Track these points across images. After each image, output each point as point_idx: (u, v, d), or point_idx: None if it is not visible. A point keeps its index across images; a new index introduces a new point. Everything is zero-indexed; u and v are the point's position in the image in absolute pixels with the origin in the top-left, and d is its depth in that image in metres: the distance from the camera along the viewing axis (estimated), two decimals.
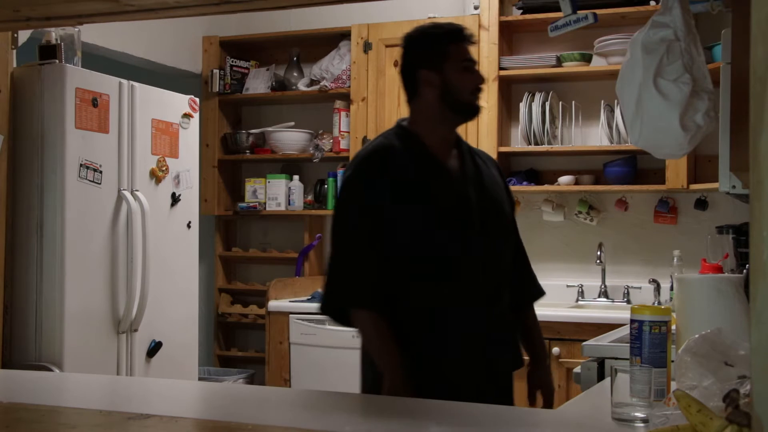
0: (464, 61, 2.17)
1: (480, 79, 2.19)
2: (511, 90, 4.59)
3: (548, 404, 2.34)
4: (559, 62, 4.35)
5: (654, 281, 4.26)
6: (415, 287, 2.11)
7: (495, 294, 2.20)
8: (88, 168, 3.55)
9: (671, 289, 4.06)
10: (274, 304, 4.44)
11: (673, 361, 1.66)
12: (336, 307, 2.15)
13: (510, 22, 4.45)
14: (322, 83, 4.81)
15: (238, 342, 5.19)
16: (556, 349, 3.81)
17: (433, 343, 2.10)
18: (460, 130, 2.28)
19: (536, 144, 4.36)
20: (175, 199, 4.04)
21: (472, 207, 2.16)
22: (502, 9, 4.44)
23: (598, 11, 2.39)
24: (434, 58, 2.17)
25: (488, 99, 4.37)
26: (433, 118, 2.19)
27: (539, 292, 2.44)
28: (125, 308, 3.70)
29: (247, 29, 5.07)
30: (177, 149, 4.06)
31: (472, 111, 2.21)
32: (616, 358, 2.28)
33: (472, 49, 2.21)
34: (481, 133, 4.35)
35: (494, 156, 4.33)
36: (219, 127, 5.05)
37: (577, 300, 4.41)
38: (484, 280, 2.16)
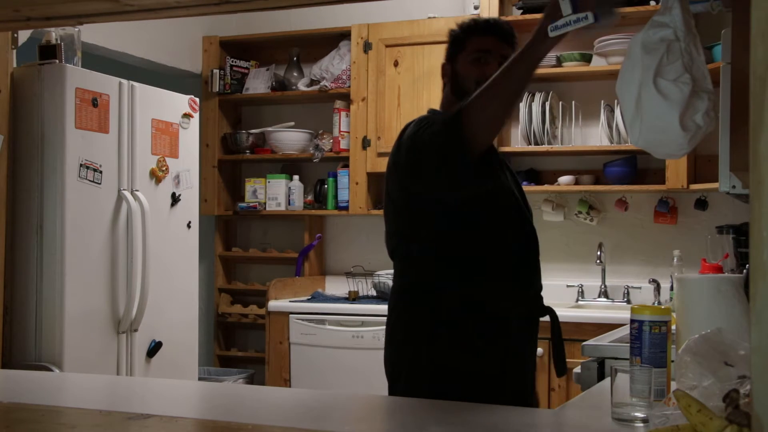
0: (477, 53, 2.16)
1: (489, 70, 2.06)
2: None
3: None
4: (559, 62, 4.35)
5: (654, 281, 4.26)
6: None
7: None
8: (88, 168, 3.55)
9: (671, 289, 4.06)
10: (274, 304, 4.44)
11: (673, 361, 1.66)
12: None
13: (510, 22, 4.44)
14: (322, 83, 4.81)
15: (238, 342, 5.19)
16: None
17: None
18: None
19: (536, 144, 4.36)
20: (175, 199, 4.04)
21: (516, 196, 2.26)
22: (502, 9, 4.44)
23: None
24: (452, 49, 2.21)
25: None
26: (448, 109, 2.15)
27: None
28: (125, 308, 3.70)
29: (247, 29, 5.07)
30: (177, 149, 4.06)
31: None
32: (616, 358, 2.28)
33: (501, 45, 2.17)
34: None
35: None
36: (219, 127, 5.05)
37: (577, 300, 4.41)
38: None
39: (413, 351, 2.09)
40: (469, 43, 2.18)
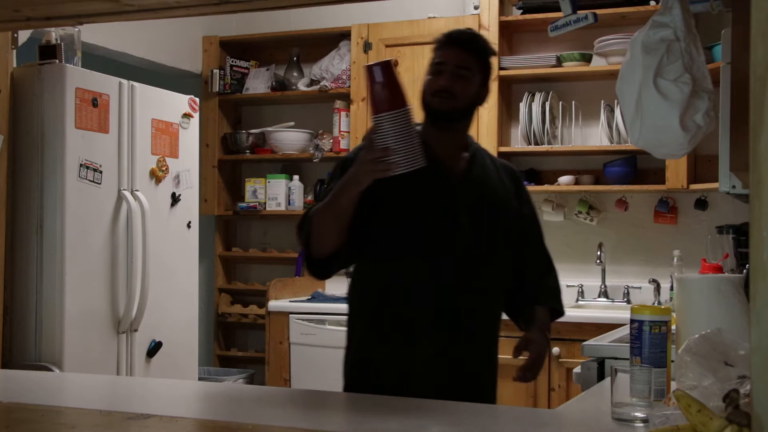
0: (432, 65, 2.17)
1: (442, 81, 2.13)
2: (511, 90, 4.59)
3: (530, 370, 2.25)
4: (559, 62, 4.35)
5: (654, 281, 4.26)
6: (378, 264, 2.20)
7: (468, 287, 2.17)
8: (88, 168, 3.55)
9: (671, 289, 4.06)
10: (274, 304, 4.44)
11: (673, 361, 1.66)
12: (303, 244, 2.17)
13: (510, 22, 4.45)
14: (322, 83, 4.81)
15: (238, 342, 5.19)
16: (556, 349, 3.81)
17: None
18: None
19: (536, 144, 4.36)
20: (175, 199, 4.04)
21: (455, 206, 2.17)
22: (502, 9, 4.44)
23: (598, 11, 2.39)
24: (431, 60, 2.24)
25: (488, 99, 4.36)
26: (424, 120, 2.23)
27: (543, 300, 2.39)
28: (125, 308, 3.70)
29: (247, 29, 5.07)
30: (177, 149, 4.06)
31: (431, 111, 2.18)
32: (616, 358, 2.28)
33: (456, 55, 2.15)
34: (481, 133, 4.35)
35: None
36: (219, 127, 5.05)
37: (577, 300, 4.41)
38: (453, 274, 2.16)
39: (346, 346, 2.25)
40: (433, 56, 2.21)
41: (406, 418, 1.64)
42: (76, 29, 3.68)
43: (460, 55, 2.16)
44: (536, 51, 4.49)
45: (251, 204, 4.94)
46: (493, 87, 4.33)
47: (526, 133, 4.38)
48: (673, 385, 1.59)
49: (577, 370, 2.40)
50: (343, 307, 2.36)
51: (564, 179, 4.36)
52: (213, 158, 5.02)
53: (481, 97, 2.23)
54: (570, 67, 4.33)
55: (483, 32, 4.39)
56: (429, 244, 2.13)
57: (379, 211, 2.12)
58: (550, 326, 2.35)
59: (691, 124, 1.93)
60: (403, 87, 1.95)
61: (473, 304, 2.17)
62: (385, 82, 1.93)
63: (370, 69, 1.96)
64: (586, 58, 4.33)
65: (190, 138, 4.17)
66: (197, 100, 4.24)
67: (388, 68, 1.94)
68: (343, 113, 4.75)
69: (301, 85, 4.90)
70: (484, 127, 4.35)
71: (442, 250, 2.13)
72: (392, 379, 2.10)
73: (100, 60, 4.32)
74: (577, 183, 4.36)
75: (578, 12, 2.18)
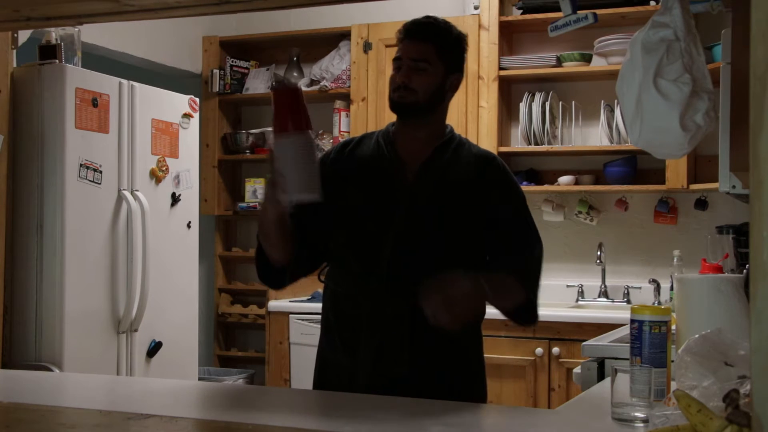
0: (395, 60, 2.12)
1: (399, 78, 2.07)
2: (511, 90, 4.59)
3: (434, 293, 1.87)
4: (559, 62, 4.35)
5: (654, 281, 4.27)
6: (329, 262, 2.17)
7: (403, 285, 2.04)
8: (88, 168, 3.55)
9: (671, 289, 4.06)
10: (274, 304, 4.44)
11: (673, 361, 1.66)
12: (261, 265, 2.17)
13: (510, 22, 4.45)
14: (322, 83, 4.81)
15: (238, 342, 5.19)
16: (556, 349, 3.81)
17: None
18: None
19: (536, 144, 4.36)
20: (175, 199, 4.04)
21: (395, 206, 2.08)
22: (502, 9, 4.44)
23: (598, 11, 2.39)
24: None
25: (488, 99, 4.37)
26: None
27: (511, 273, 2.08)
28: (125, 308, 3.70)
29: (247, 29, 5.07)
30: (177, 149, 4.06)
31: (394, 108, 2.11)
32: (616, 358, 2.28)
33: (410, 48, 2.09)
34: (481, 133, 4.35)
35: None
36: (219, 127, 5.05)
37: (577, 300, 4.41)
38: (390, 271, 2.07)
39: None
40: (397, 50, 2.15)
41: (406, 418, 1.64)
42: (76, 29, 3.68)
43: (417, 47, 2.09)
44: (536, 51, 4.49)
45: (251, 204, 4.94)
46: (493, 87, 4.39)
47: (526, 133, 4.38)
48: (673, 385, 1.59)
49: (577, 370, 2.40)
50: None
51: (564, 179, 4.36)
52: (213, 158, 5.02)
53: (449, 86, 2.12)
54: (570, 67, 4.33)
55: (483, 32, 4.39)
56: (365, 249, 2.06)
57: (331, 214, 2.08)
58: (498, 286, 2.00)
59: (691, 124, 1.93)
60: (306, 112, 1.88)
61: (412, 308, 1.97)
62: (287, 103, 1.86)
63: (275, 89, 1.93)
64: (586, 58, 4.33)
65: (190, 138, 4.17)
66: (197, 100, 4.24)
67: (294, 91, 1.88)
68: (343, 113, 4.75)
69: (301, 85, 4.90)
70: (484, 127, 4.36)
71: (377, 255, 2.03)
72: (346, 385, 2.06)
73: (100, 60, 4.32)
74: (577, 183, 4.36)
75: (578, 12, 2.18)
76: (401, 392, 1.89)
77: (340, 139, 4.75)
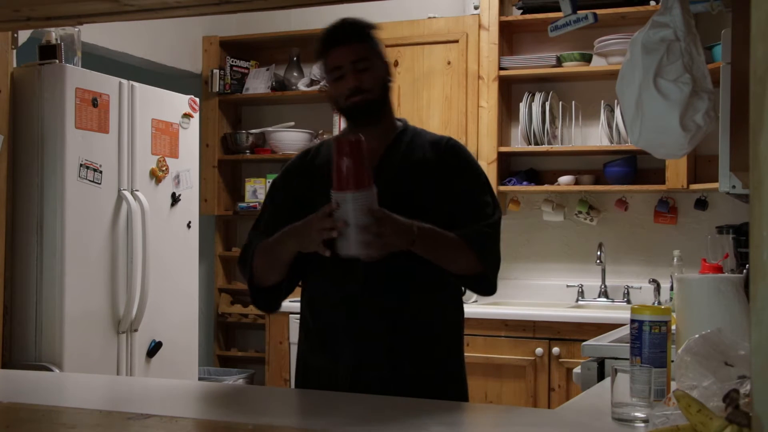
0: (333, 71, 2.11)
1: (348, 83, 2.07)
2: (511, 90, 4.59)
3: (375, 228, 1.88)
4: (559, 62, 4.35)
5: (654, 281, 4.26)
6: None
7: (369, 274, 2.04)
8: (88, 168, 3.55)
9: (671, 289, 4.06)
10: None
11: (673, 361, 1.66)
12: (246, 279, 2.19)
13: (510, 22, 4.45)
14: (322, 83, 4.81)
15: (238, 342, 5.19)
16: (556, 349, 3.81)
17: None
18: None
19: (536, 144, 4.36)
20: (175, 199, 4.04)
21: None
22: (502, 9, 4.44)
23: (598, 11, 2.39)
24: (322, 70, 2.19)
25: (488, 99, 4.37)
26: (347, 124, 2.19)
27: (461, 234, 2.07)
28: (125, 308, 3.70)
29: (247, 29, 5.07)
30: (177, 149, 4.06)
31: (353, 114, 2.12)
32: (616, 358, 2.28)
33: (349, 51, 2.09)
34: (481, 133, 4.35)
35: (494, 156, 4.33)
36: (219, 127, 5.05)
37: (577, 300, 4.41)
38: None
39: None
40: (324, 63, 2.14)
41: (406, 418, 1.64)
42: (76, 29, 3.68)
43: (352, 49, 2.10)
44: (536, 51, 4.49)
45: (251, 204, 4.94)
46: (493, 87, 4.39)
47: (526, 133, 4.38)
48: (673, 385, 1.59)
49: (577, 370, 2.40)
50: None
51: (564, 179, 4.36)
52: (213, 158, 5.02)
53: (388, 76, 2.15)
54: (570, 67, 4.33)
55: (483, 32, 4.39)
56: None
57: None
58: (434, 235, 1.99)
59: (691, 124, 1.94)
60: (370, 166, 1.88)
61: (389, 312, 2.04)
62: (353, 158, 1.84)
63: (339, 142, 1.88)
64: (586, 58, 4.33)
65: (190, 138, 4.17)
66: (197, 100, 4.24)
67: (357, 145, 1.86)
68: None
69: (301, 85, 4.90)
70: (484, 127, 4.35)
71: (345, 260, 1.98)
72: (327, 387, 2.06)
73: (100, 60, 4.32)
74: (577, 183, 4.36)
75: (578, 12, 2.18)
76: (382, 393, 1.90)
77: None
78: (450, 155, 2.16)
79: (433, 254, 2.01)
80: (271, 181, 4.86)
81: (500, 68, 4.38)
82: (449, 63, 4.42)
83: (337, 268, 2.04)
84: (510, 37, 4.58)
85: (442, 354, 2.13)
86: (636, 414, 1.51)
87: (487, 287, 2.12)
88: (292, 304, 4.47)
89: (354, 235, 1.83)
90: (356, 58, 2.09)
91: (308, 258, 2.06)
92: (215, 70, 4.99)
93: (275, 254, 2.06)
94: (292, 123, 5.00)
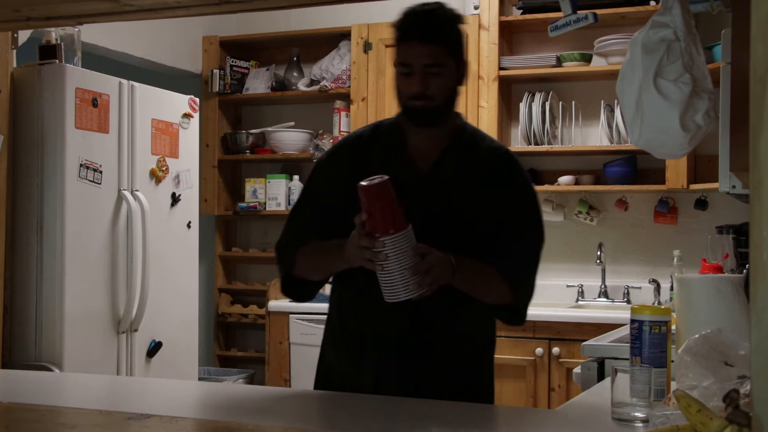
0: (400, 66, 1.96)
1: (413, 88, 1.93)
2: (511, 90, 4.59)
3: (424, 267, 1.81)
4: (559, 62, 4.35)
5: (654, 281, 4.27)
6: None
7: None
8: (88, 168, 3.55)
9: (671, 289, 4.06)
10: (274, 304, 4.44)
11: (673, 361, 1.66)
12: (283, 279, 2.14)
13: (510, 22, 4.45)
14: (322, 83, 4.81)
15: (238, 342, 5.19)
16: (556, 349, 3.81)
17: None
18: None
19: (536, 144, 4.36)
20: (175, 199, 4.04)
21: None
22: (502, 9, 4.44)
23: (598, 11, 2.39)
24: (395, 54, 2.01)
25: (488, 99, 4.37)
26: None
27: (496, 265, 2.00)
28: (125, 308, 3.70)
29: (247, 29, 5.07)
30: (177, 149, 4.06)
31: (411, 117, 1.99)
32: (616, 358, 2.28)
33: (423, 52, 1.92)
34: None
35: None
36: (219, 127, 5.05)
37: (577, 300, 4.41)
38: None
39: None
40: (397, 50, 1.97)
41: (406, 418, 1.64)
42: (76, 29, 3.68)
43: (427, 50, 1.92)
44: (536, 51, 4.49)
45: (251, 204, 4.94)
46: (493, 87, 4.40)
47: (526, 133, 4.38)
48: (673, 385, 1.59)
49: (577, 370, 2.40)
50: None
51: (564, 179, 4.36)
52: (213, 158, 5.02)
53: (461, 80, 2.00)
54: (570, 67, 4.33)
55: (483, 32, 4.39)
56: None
57: (346, 222, 1.91)
58: (472, 270, 1.93)
59: (691, 124, 1.94)
60: (401, 204, 1.78)
61: (429, 320, 1.98)
62: (385, 200, 1.75)
63: (365, 190, 1.77)
64: (586, 58, 4.33)
65: (190, 138, 4.16)
66: (197, 100, 4.24)
67: (385, 187, 1.76)
68: (343, 113, 4.75)
69: (301, 85, 4.90)
70: (484, 127, 4.35)
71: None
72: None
73: (100, 60, 4.32)
74: (577, 183, 4.37)
75: (578, 12, 2.18)
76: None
77: (340, 138, 4.75)
78: (506, 170, 2.05)
79: (470, 287, 1.95)
80: (271, 181, 4.90)
81: (500, 68, 4.38)
82: None
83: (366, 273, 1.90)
84: (510, 37, 4.58)
85: (475, 377, 2.07)
86: (636, 414, 1.51)
87: (516, 319, 2.06)
88: (291, 304, 4.49)
89: (400, 279, 1.76)
90: (430, 62, 1.92)
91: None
92: (215, 70, 4.99)
93: (325, 262, 2.03)
94: (292, 123, 5.01)
